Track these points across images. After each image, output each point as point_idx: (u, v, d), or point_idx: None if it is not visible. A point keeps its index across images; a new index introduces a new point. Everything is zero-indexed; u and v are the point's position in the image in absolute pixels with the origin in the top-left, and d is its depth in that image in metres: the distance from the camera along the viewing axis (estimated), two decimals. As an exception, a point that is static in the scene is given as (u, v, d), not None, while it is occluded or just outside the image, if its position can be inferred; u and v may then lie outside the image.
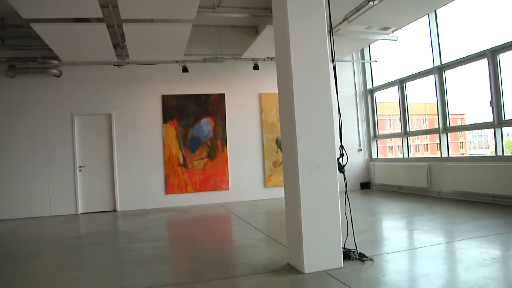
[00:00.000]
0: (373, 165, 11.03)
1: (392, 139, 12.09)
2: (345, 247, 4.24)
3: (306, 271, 3.83)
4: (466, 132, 10.25)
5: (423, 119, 12.64)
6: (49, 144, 9.19)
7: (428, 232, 5.42)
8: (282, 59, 4.21)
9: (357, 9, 7.32)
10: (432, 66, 8.75)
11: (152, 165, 9.75)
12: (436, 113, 8.75)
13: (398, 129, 10.92)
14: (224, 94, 10.22)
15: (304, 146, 3.92)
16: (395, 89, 10.38)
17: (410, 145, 10.28)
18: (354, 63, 11.44)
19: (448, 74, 8.55)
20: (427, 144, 13.96)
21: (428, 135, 10.88)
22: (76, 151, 9.33)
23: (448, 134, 8.70)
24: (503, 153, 7.32)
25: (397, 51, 10.69)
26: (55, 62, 8.94)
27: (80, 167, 9.37)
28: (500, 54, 7.25)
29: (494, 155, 7.49)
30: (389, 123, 13.42)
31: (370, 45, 10.90)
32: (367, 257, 4.18)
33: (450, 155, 8.72)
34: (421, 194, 9.15)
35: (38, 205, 9.04)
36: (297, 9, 4.02)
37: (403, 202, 8.40)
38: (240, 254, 4.98)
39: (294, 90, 3.95)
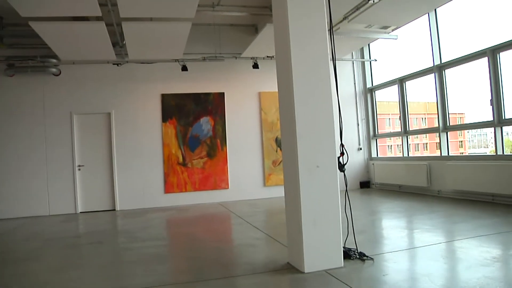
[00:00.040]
0: (373, 164, 11.01)
1: (392, 138, 12.08)
2: (345, 246, 4.23)
3: (306, 270, 3.82)
4: (465, 131, 10.24)
5: (422, 118, 12.64)
6: (48, 143, 9.17)
7: (428, 231, 5.41)
8: (282, 58, 4.19)
9: (357, 8, 7.30)
10: (432, 65, 8.73)
11: (152, 164, 9.73)
12: (436, 112, 8.74)
13: (397, 128, 10.91)
14: (223, 93, 10.20)
15: (304, 145, 3.91)
16: (394, 88, 10.36)
17: (410, 144, 10.27)
18: (354, 62, 11.42)
19: (448, 73, 8.53)
20: (426, 143, 13.96)
21: (427, 134, 10.88)
22: (75, 150, 9.31)
23: (448, 133, 8.69)
24: (503, 152, 7.31)
25: (397, 50, 10.69)
26: (54, 61, 8.92)
27: (79, 166, 9.35)
28: (501, 53, 7.23)
29: (494, 154, 7.48)
30: (389, 122, 13.42)
31: (370, 44, 10.89)
32: (367, 256, 4.16)
33: (450, 154, 8.70)
34: (421, 193, 9.14)
35: (37, 204, 9.02)
36: (297, 8, 4.00)
37: (403, 201, 8.39)
38: (240, 253, 4.97)
39: (294, 89, 3.93)
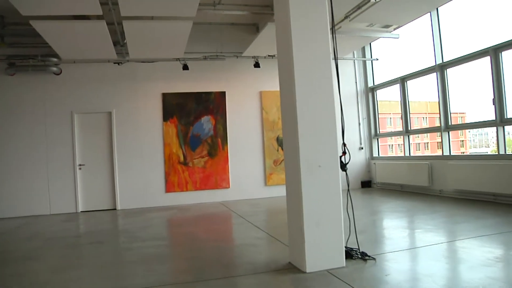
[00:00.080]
0: (374, 163, 10.99)
1: (393, 137, 12.05)
2: (347, 246, 4.21)
3: (308, 270, 3.80)
4: (467, 130, 10.22)
5: (423, 117, 12.61)
6: (49, 142, 9.16)
7: (430, 231, 5.39)
8: (284, 56, 4.17)
9: (359, 7, 7.26)
10: (434, 64, 8.70)
11: (152, 163, 9.72)
12: (437, 112, 8.71)
13: (398, 127, 10.89)
14: (224, 92, 10.18)
15: (306, 144, 3.89)
16: (396, 87, 10.33)
17: (411, 144, 10.25)
18: (355, 61, 11.39)
19: (449, 72, 8.50)
20: (427, 143, 13.94)
21: (428, 134, 10.85)
22: (76, 149, 9.30)
23: (450, 132, 8.67)
24: (505, 152, 7.28)
25: (399, 49, 10.66)
26: (55, 60, 8.91)
27: (80, 165, 9.34)
28: (503, 52, 7.20)
29: (496, 153, 7.45)
30: (390, 121, 13.39)
31: (371, 43, 10.85)
32: (369, 256, 4.14)
33: (451, 154, 8.68)
34: (422, 193, 9.12)
35: (38, 204, 9.01)
36: (299, 7, 3.98)
37: (404, 200, 8.36)
38: (241, 253, 4.94)
39: (296, 88, 3.91)
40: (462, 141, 13.33)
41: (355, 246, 4.28)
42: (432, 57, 8.72)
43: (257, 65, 9.74)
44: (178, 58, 9.33)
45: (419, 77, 9.51)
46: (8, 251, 5.65)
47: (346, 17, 7.67)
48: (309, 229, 3.84)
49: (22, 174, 8.97)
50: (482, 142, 12.79)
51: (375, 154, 11.29)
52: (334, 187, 3.96)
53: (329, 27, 4.10)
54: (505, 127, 7.31)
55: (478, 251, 4.21)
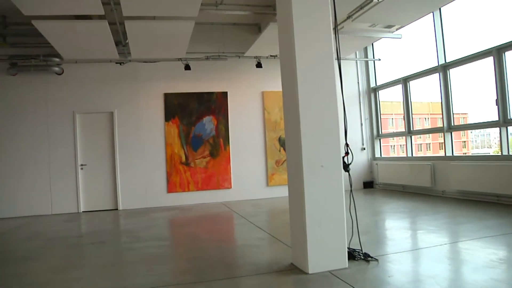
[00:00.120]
0: (376, 164, 10.96)
1: (395, 138, 12.03)
2: (350, 247, 4.18)
3: (310, 271, 3.78)
4: (469, 131, 10.19)
5: (425, 118, 12.59)
6: (50, 142, 9.16)
7: (433, 232, 5.36)
8: (287, 56, 4.15)
9: (361, 7, 7.24)
10: (437, 65, 8.67)
11: (154, 163, 9.71)
12: (440, 112, 8.69)
13: (400, 128, 10.85)
14: (226, 92, 10.16)
15: (309, 144, 3.87)
16: (398, 87, 10.31)
17: (413, 144, 10.21)
18: (358, 61, 11.37)
19: (452, 72, 8.47)
20: (429, 143, 13.91)
21: (430, 134, 10.82)
22: (78, 149, 9.29)
23: (452, 133, 8.64)
24: (508, 152, 7.25)
25: (401, 49, 10.63)
26: (57, 60, 8.91)
27: (81, 165, 9.33)
28: (506, 52, 7.17)
29: (499, 154, 7.42)
30: (392, 122, 13.36)
31: (374, 43, 10.83)
32: (372, 257, 4.12)
33: (454, 154, 8.64)
34: (424, 194, 9.09)
35: (39, 204, 9.00)
36: (302, 7, 3.96)
37: (406, 201, 8.34)
38: (243, 253, 4.93)
39: (298, 88, 3.89)
40: (464, 141, 13.31)
41: (357, 247, 4.26)
42: (435, 57, 8.69)
43: (259, 65, 9.72)
44: (180, 58, 9.32)
45: (421, 77, 9.48)
46: (9, 251, 5.65)
47: (348, 17, 7.65)
48: (312, 230, 3.82)
49: (24, 174, 8.97)
50: (484, 143, 12.76)
51: (377, 155, 11.26)
52: (337, 188, 3.94)
53: (332, 26, 4.09)
54: (508, 127, 7.27)
55: (482, 253, 4.18)
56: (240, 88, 10.30)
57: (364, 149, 11.25)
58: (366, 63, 11.44)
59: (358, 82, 11.38)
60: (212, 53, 9.59)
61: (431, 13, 8.51)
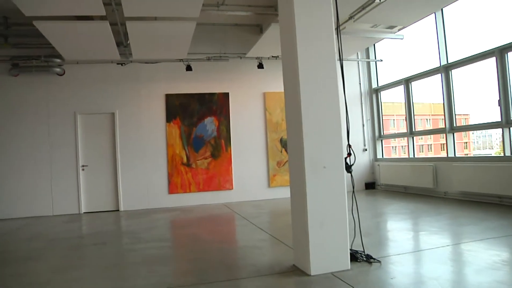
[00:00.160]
0: (378, 165, 10.93)
1: (396, 139, 12.00)
2: (352, 248, 4.16)
3: (312, 273, 3.75)
4: (470, 132, 10.17)
5: (427, 119, 12.57)
6: (52, 143, 9.15)
7: (435, 234, 5.34)
8: (288, 56, 4.13)
9: (363, 7, 7.23)
10: (439, 65, 8.64)
11: (156, 164, 9.69)
12: (442, 113, 8.67)
13: (402, 129, 10.83)
14: (228, 93, 10.15)
15: (311, 145, 3.85)
16: (400, 88, 10.28)
17: (414, 145, 10.18)
18: (359, 62, 11.35)
19: (454, 73, 8.44)
20: (431, 144, 13.88)
21: (432, 135, 10.79)
22: (79, 150, 9.28)
23: (454, 134, 8.60)
24: (511, 153, 7.22)
25: (403, 50, 10.60)
26: (58, 60, 8.91)
27: (83, 166, 9.32)
28: (509, 53, 7.14)
29: (502, 155, 7.39)
30: (393, 123, 13.35)
31: (376, 44, 10.81)
32: (374, 259, 4.10)
33: (456, 155, 8.61)
34: (426, 195, 9.05)
35: (40, 205, 9.00)
36: (304, 7, 3.94)
37: (408, 202, 8.30)
38: (244, 255, 4.90)
39: (300, 88, 3.87)
40: (466, 143, 13.27)
41: (360, 249, 4.24)
42: (437, 58, 8.66)
43: (260, 66, 9.70)
44: (182, 59, 9.31)
45: (423, 78, 9.46)
46: (9, 251, 5.64)
47: (350, 18, 7.63)
48: (314, 231, 3.80)
49: (24, 175, 8.96)
50: (486, 144, 12.73)
51: (379, 156, 11.23)
52: (339, 188, 3.92)
53: (334, 26, 4.07)
54: (510, 128, 7.23)
55: (485, 254, 4.15)
56: (241, 89, 10.28)
57: (366, 150, 11.23)
58: (368, 64, 11.42)
59: (360, 83, 11.36)
60: (213, 53, 9.58)
61: (433, 14, 8.49)
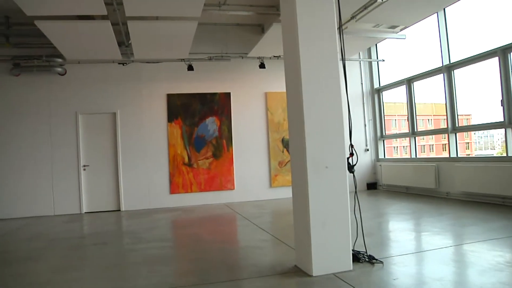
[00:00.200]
0: (380, 165, 10.90)
1: (398, 139, 11.96)
2: (354, 249, 4.14)
3: (314, 273, 3.73)
4: (472, 132, 10.13)
5: (428, 119, 12.52)
6: (53, 143, 9.14)
7: (438, 234, 5.31)
8: (291, 55, 4.11)
9: (365, 7, 7.20)
10: (441, 65, 8.61)
11: (157, 164, 9.68)
12: (444, 113, 8.63)
13: (403, 129, 10.79)
14: (229, 93, 10.13)
15: (313, 145, 3.83)
16: (401, 89, 10.25)
17: (416, 145, 10.15)
18: (361, 62, 11.32)
19: (456, 73, 8.41)
20: (432, 145, 13.84)
21: (433, 136, 10.75)
22: (80, 150, 9.27)
23: (457, 134, 8.57)
24: (514, 154, 7.19)
25: (405, 50, 10.56)
26: (60, 60, 8.90)
27: (84, 166, 9.31)
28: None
29: (505, 155, 7.35)
30: (395, 123, 13.31)
31: (378, 44, 10.77)
32: (376, 259, 4.07)
33: (458, 156, 8.58)
34: (428, 195, 9.02)
35: (42, 204, 8.99)
36: (306, 6, 3.92)
37: (410, 203, 8.28)
38: (246, 255, 4.88)
39: (302, 88, 3.85)
40: (468, 143, 13.22)
41: (362, 249, 4.21)
42: (439, 58, 8.63)
43: (262, 65, 9.68)
44: (183, 59, 9.29)
45: (425, 78, 9.43)
46: (10, 251, 5.62)
47: (352, 18, 7.61)
48: (316, 231, 3.77)
49: (26, 175, 8.95)
50: (487, 144, 12.68)
51: (381, 156, 11.20)
52: (341, 189, 3.90)
53: (336, 26, 4.05)
54: (513, 128, 7.21)
55: (488, 255, 4.12)
56: (243, 89, 10.26)
57: (368, 150, 11.20)
58: (370, 63, 11.40)
59: (362, 83, 11.33)
60: (215, 53, 9.56)
61: (436, 14, 8.46)
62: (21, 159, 8.95)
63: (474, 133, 11.52)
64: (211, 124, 9.98)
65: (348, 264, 3.86)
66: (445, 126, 8.69)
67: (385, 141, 11.30)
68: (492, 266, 3.74)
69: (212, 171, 9.92)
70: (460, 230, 5.59)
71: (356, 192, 4.17)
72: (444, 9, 8.42)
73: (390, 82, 10.76)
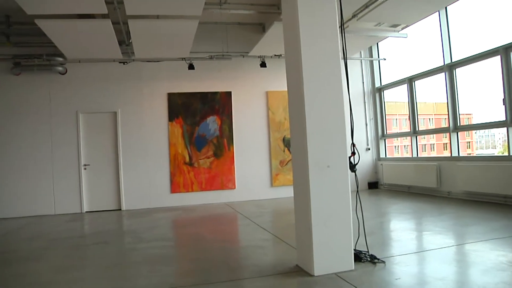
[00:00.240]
0: (381, 164, 10.88)
1: (399, 138, 11.94)
2: (356, 248, 4.11)
3: (316, 273, 3.71)
4: (473, 132, 10.11)
5: (429, 118, 12.48)
6: (54, 142, 9.12)
7: (440, 233, 5.29)
8: (292, 54, 4.09)
9: (366, 6, 7.18)
10: (443, 64, 8.58)
11: (158, 163, 9.66)
12: (445, 112, 8.61)
13: (404, 128, 10.76)
14: (230, 92, 10.10)
15: (315, 144, 3.81)
16: (403, 88, 10.22)
17: (418, 145, 10.12)
18: (362, 61, 11.29)
19: (458, 72, 8.38)
20: (433, 144, 13.80)
21: (434, 135, 10.72)
22: (81, 149, 9.25)
23: (458, 133, 8.55)
24: (516, 153, 7.16)
25: (407, 49, 10.53)
26: (60, 59, 8.88)
27: (85, 165, 9.30)
28: (514, 51, 7.09)
29: (507, 154, 7.32)
30: (396, 122, 13.27)
31: (379, 43, 10.73)
32: (378, 259, 4.05)
33: (460, 155, 8.55)
34: (430, 194, 8.99)
35: (42, 204, 8.97)
36: (307, 4, 3.90)
37: (412, 202, 8.25)
38: (247, 255, 4.87)
39: (304, 86, 3.83)
40: (469, 142, 13.19)
41: (363, 249, 4.19)
42: (441, 57, 8.60)
43: (263, 64, 9.65)
44: (184, 58, 9.27)
45: (427, 77, 9.39)
46: (11, 251, 5.61)
47: (353, 16, 7.58)
48: (317, 231, 3.75)
49: (26, 174, 8.94)
50: (488, 143, 12.64)
51: (382, 155, 11.18)
52: (343, 188, 3.88)
53: (337, 24, 4.03)
54: (515, 127, 7.18)
55: (490, 255, 4.10)
56: (244, 88, 10.24)
57: (369, 149, 11.17)
58: (371, 62, 11.36)
59: (363, 82, 11.30)
60: (216, 52, 9.52)
61: (437, 12, 8.42)
62: (21, 159, 8.93)
63: (475, 132, 11.49)
64: (212, 123, 9.96)
65: (350, 263, 3.84)
66: (446, 126, 8.66)
67: (386, 140, 11.27)
68: (495, 265, 3.71)
69: (213, 170, 9.90)
70: (462, 229, 5.56)
71: (358, 191, 4.15)
72: (445, 8, 8.38)
73: (392, 81, 10.73)
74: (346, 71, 4.15)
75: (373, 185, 11.04)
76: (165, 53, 8.92)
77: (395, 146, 12.90)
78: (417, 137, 10.04)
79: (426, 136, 10.96)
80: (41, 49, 8.73)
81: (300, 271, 3.91)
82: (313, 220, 3.75)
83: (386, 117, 11.33)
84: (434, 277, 3.56)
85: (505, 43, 7.14)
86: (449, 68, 8.46)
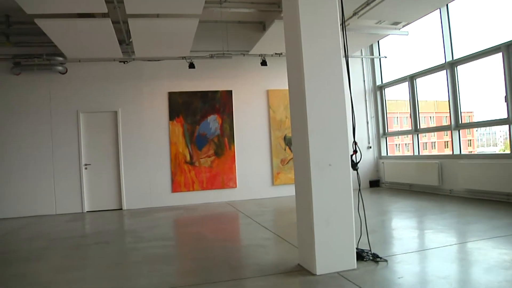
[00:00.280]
0: (383, 162, 10.85)
1: (400, 136, 11.90)
2: (358, 247, 4.09)
3: (318, 272, 3.69)
4: (474, 129, 10.08)
5: (431, 116, 12.45)
6: (54, 142, 9.11)
7: (442, 232, 5.26)
8: (293, 52, 4.07)
9: (367, 3, 7.16)
10: (444, 62, 8.54)
11: (159, 163, 9.65)
12: (447, 110, 8.58)
13: (405, 127, 10.72)
14: (231, 91, 10.08)
15: (316, 142, 3.78)
16: (404, 86, 10.19)
17: (419, 143, 10.09)
18: (363, 59, 11.25)
19: (459, 69, 8.35)
20: (434, 142, 13.77)
21: (436, 133, 10.69)
22: (81, 149, 9.24)
23: (460, 131, 8.52)
24: (518, 151, 7.13)
25: (408, 47, 10.50)
26: (60, 59, 8.86)
27: (85, 165, 9.28)
28: (516, 49, 7.05)
29: (508, 152, 7.29)
30: (397, 120, 13.23)
31: (380, 40, 10.70)
32: (381, 258, 4.03)
33: (462, 153, 8.52)
34: (432, 192, 8.97)
35: (43, 204, 8.96)
36: (308, 3, 3.88)
37: (413, 200, 8.23)
38: (248, 254, 4.84)
39: (305, 84, 3.81)
40: (470, 140, 13.15)
41: (366, 247, 4.17)
42: (442, 54, 8.56)
43: (264, 63, 9.63)
44: (184, 57, 9.25)
45: (428, 75, 9.36)
46: (11, 251, 5.59)
47: (354, 14, 7.56)
48: (319, 230, 3.73)
49: (27, 174, 8.93)
50: (489, 141, 12.61)
51: (383, 153, 11.15)
52: (345, 186, 3.86)
53: (339, 22, 4.00)
54: (518, 125, 7.15)
55: (493, 253, 4.08)
56: (244, 87, 10.21)
57: (370, 147, 11.15)
58: (372, 60, 11.33)
59: (364, 80, 11.27)
60: (216, 51, 9.50)
61: (438, 10, 8.39)
62: (22, 158, 8.92)
63: (476, 130, 11.46)
64: (213, 122, 9.94)
65: (352, 262, 3.82)
66: (447, 124, 8.63)
67: (387, 138, 11.25)
68: (498, 264, 3.69)
69: (214, 169, 9.89)
70: (464, 227, 5.53)
71: (359, 189, 4.13)
72: (447, 5, 8.34)
73: (393, 79, 10.70)
74: (347, 69, 4.13)
75: (375, 184, 11.02)
76: (165, 52, 8.90)
77: (396, 144, 12.86)
78: (419, 135, 10.02)
79: (427, 134, 10.92)
80: (41, 48, 8.72)
81: (302, 270, 3.89)
82: (315, 218, 3.73)
83: (387, 115, 11.30)
84: (436, 275, 3.54)
85: (507, 40, 7.10)
86: (451, 66, 8.43)
